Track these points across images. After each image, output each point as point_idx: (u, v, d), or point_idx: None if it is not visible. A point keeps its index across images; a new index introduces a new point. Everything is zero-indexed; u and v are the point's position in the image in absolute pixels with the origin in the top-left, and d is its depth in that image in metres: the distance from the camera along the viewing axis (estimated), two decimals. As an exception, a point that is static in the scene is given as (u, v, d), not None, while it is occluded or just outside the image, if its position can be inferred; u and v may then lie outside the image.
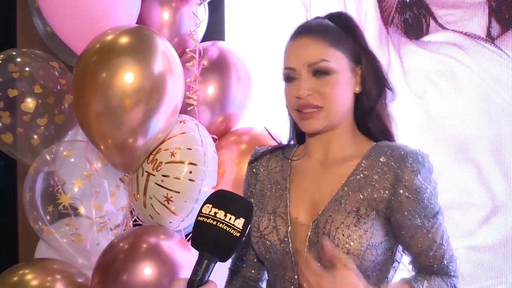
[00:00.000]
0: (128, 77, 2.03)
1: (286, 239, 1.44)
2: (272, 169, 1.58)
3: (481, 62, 2.35)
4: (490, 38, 2.33)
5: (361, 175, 1.43)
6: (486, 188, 2.36)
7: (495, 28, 2.33)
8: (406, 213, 1.41)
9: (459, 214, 2.37)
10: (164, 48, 2.12)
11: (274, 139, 1.68)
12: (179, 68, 2.18)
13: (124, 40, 2.07)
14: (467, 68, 2.37)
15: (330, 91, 1.42)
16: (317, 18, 1.53)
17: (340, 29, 1.47)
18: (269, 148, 1.63)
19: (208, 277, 1.18)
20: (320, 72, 1.42)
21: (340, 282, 1.25)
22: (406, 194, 1.40)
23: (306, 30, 1.47)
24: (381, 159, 1.43)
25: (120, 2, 2.19)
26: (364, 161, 1.45)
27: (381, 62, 1.52)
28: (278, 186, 1.54)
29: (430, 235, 1.43)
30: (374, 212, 1.40)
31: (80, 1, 2.14)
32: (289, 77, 1.46)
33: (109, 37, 2.08)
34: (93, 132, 2.11)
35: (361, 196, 1.41)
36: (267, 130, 1.74)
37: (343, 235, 1.37)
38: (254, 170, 1.61)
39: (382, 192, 1.41)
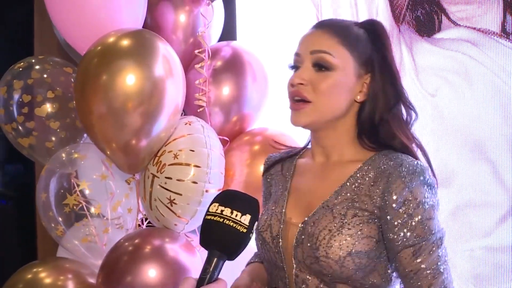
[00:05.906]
0: (129, 79, 2.03)
1: (277, 236, 1.45)
2: (278, 171, 1.59)
3: (496, 58, 2.29)
4: (505, 33, 2.27)
5: (356, 183, 1.40)
6: (503, 187, 2.30)
7: (510, 23, 2.26)
8: (390, 225, 1.34)
9: (475, 214, 2.30)
10: (164, 51, 2.12)
11: (286, 147, 1.69)
12: (180, 70, 2.18)
13: (125, 43, 2.07)
14: (481, 65, 2.31)
15: (324, 88, 1.40)
16: (350, 22, 1.50)
17: (363, 35, 1.45)
18: (281, 153, 1.65)
19: (218, 275, 1.19)
20: (320, 65, 1.40)
21: None
22: (394, 204, 1.33)
23: (323, 25, 1.47)
24: (379, 168, 1.38)
25: (125, 6, 2.21)
26: (362, 168, 1.41)
27: (400, 80, 1.46)
28: (281, 186, 1.55)
29: (415, 255, 1.33)
30: (363, 220, 1.35)
31: (85, 5, 2.16)
32: (294, 65, 1.46)
33: (110, 40, 2.09)
34: (97, 135, 2.12)
35: (351, 203, 1.37)
36: (277, 143, 1.77)
37: (324, 239, 1.35)
38: (268, 179, 1.63)
39: (374, 201, 1.36)
